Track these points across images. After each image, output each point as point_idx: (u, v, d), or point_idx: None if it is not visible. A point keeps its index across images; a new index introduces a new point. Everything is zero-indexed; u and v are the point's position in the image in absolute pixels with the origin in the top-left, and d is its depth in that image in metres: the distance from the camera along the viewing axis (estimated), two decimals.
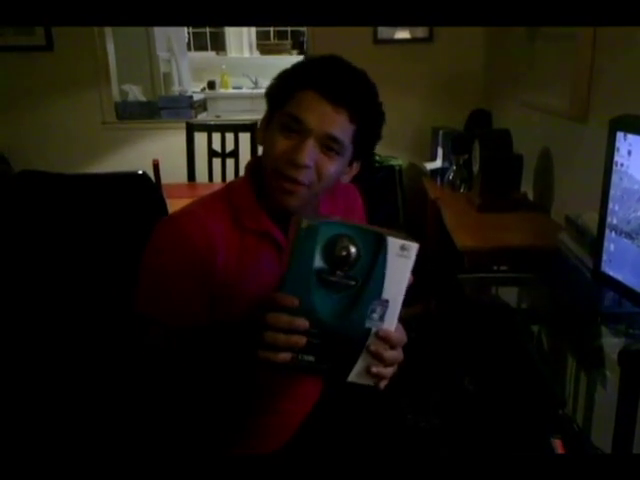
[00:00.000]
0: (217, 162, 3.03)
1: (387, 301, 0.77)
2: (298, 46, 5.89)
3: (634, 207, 1.14)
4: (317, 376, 0.80)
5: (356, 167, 1.07)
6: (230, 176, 2.96)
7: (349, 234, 0.75)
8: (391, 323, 0.79)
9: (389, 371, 0.82)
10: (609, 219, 1.22)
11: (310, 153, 0.94)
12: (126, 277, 1.14)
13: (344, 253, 0.75)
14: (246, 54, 6.24)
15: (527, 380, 1.21)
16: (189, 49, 5.94)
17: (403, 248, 0.76)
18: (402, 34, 3.47)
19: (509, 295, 1.87)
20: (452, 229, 2.23)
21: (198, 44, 6.25)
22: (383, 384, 0.83)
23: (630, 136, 1.15)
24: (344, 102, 0.94)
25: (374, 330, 0.79)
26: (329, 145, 0.95)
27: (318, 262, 0.75)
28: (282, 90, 0.98)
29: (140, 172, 1.59)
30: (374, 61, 3.44)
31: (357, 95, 0.96)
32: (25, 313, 1.42)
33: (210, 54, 6.28)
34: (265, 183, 1.01)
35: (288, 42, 6.08)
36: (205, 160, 3.04)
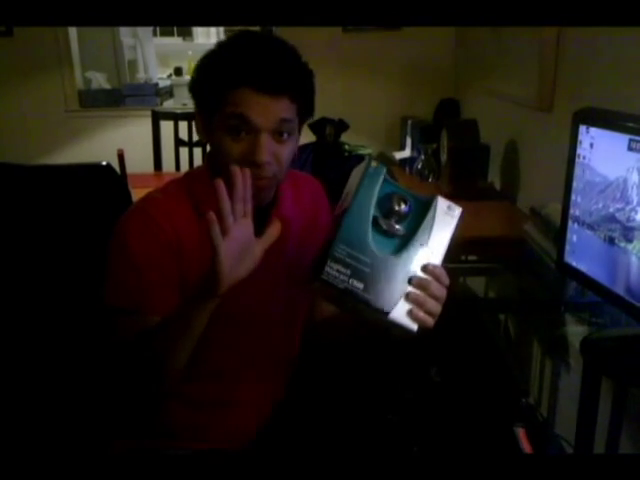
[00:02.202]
0: (184, 151, 2.98)
1: (432, 251, 0.85)
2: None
3: (596, 199, 1.16)
4: (363, 305, 0.82)
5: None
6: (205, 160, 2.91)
7: (404, 195, 0.85)
8: None
9: (433, 304, 0.84)
10: (572, 211, 1.24)
11: (267, 149, 0.94)
12: (90, 271, 1.12)
13: (397, 208, 0.84)
14: (213, 40, 6.14)
15: (492, 370, 1.23)
16: (155, 35, 5.81)
17: (450, 208, 0.86)
18: None
19: (477, 285, 1.90)
20: None
21: (164, 30, 6.13)
22: (427, 319, 0.83)
23: (592, 129, 1.17)
24: (282, 90, 0.94)
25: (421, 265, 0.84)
26: (281, 131, 0.95)
27: (374, 208, 0.84)
28: (213, 90, 0.95)
29: (104, 163, 1.55)
30: (343, 50, 3.44)
31: (292, 77, 0.95)
32: None
33: (177, 40, 6.17)
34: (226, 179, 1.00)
35: (256, 28, 6.02)
36: (172, 149, 3.00)
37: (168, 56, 5.82)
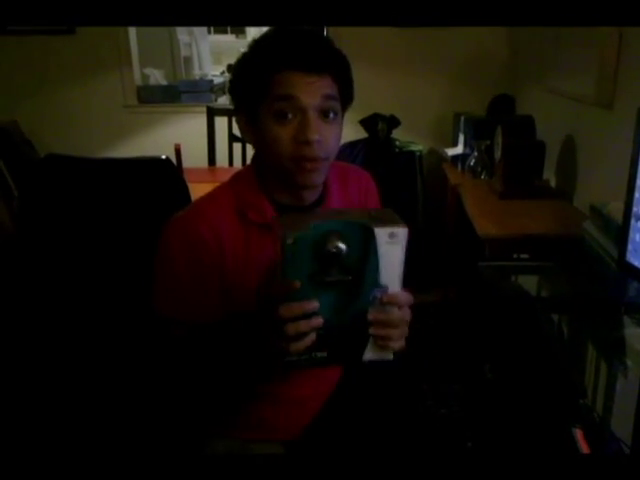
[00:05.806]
0: (237, 147, 3.03)
1: (386, 286, 0.79)
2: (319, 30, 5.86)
3: None
4: (333, 366, 0.82)
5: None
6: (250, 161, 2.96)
7: (335, 229, 0.75)
8: None
9: (398, 332, 0.83)
10: (635, 209, 1.21)
11: (316, 126, 0.94)
12: (150, 261, 1.16)
13: (334, 250, 0.75)
14: None
15: (547, 369, 1.21)
16: (209, 32, 5.93)
17: (392, 235, 0.76)
18: None
19: (529, 283, 1.86)
20: (473, 216, 2.22)
21: (218, 27, 6.24)
22: (398, 345, 0.84)
23: None
24: (325, 68, 0.95)
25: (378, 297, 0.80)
26: (326, 109, 0.96)
27: (310, 266, 0.75)
28: (259, 77, 0.96)
29: (163, 157, 1.61)
30: (396, 45, 3.43)
31: (332, 57, 0.98)
32: (48, 296, 1.45)
33: (230, 37, 6.28)
34: (276, 174, 1.01)
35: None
36: (225, 144, 3.05)
37: (221, 53, 5.93)
